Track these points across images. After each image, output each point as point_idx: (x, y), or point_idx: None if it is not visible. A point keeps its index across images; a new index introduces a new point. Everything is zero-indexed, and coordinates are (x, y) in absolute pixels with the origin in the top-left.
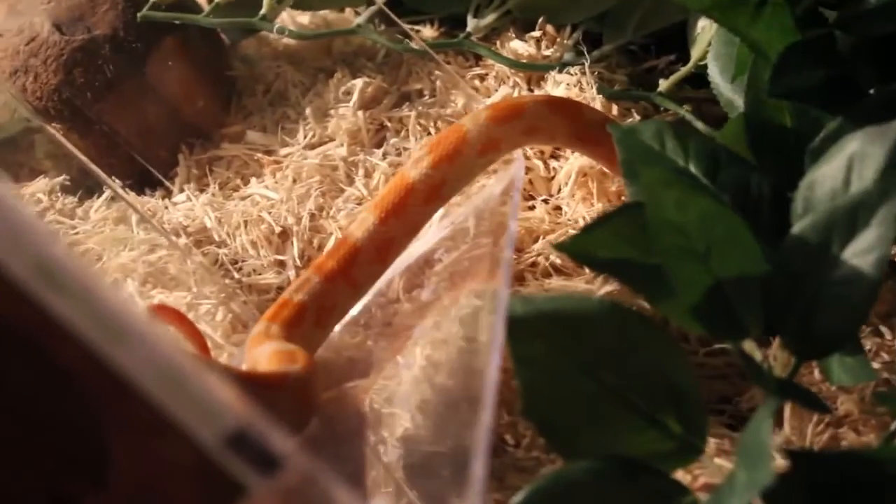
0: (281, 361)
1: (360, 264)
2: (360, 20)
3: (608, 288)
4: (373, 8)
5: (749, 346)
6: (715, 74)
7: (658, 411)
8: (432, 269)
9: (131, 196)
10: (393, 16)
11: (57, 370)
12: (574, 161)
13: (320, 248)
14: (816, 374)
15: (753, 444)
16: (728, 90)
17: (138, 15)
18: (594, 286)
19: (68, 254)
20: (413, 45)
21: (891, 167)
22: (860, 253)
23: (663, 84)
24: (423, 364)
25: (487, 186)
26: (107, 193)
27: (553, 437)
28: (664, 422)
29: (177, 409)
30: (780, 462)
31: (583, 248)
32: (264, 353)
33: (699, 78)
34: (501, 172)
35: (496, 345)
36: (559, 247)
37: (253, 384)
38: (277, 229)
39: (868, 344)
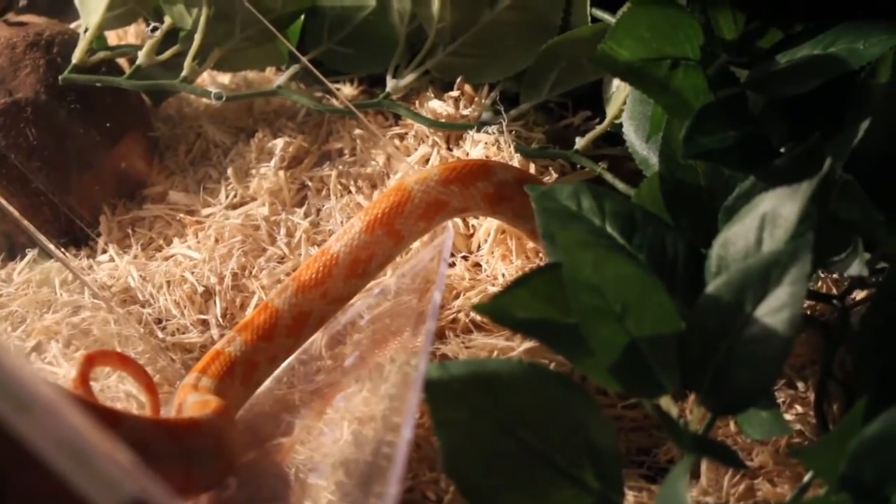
0: (196, 409)
1: (279, 331)
2: (279, 81)
3: (528, 345)
4: (293, 68)
5: (665, 402)
6: (630, 133)
7: (576, 468)
8: (355, 330)
9: (54, 261)
10: (318, 73)
11: None
12: (492, 220)
13: (243, 307)
14: (732, 426)
15: (670, 499)
16: (643, 149)
17: (60, 78)
18: (514, 343)
19: None
20: (335, 103)
21: (801, 226)
22: (773, 311)
23: (580, 142)
24: (348, 439)
25: (417, 254)
26: (30, 256)
27: (474, 496)
28: (583, 478)
29: (77, 479)
30: None
31: (502, 309)
32: (186, 404)
33: (615, 135)
34: (434, 240)
35: (409, 419)
36: (479, 308)
37: (166, 430)
38: (200, 289)
39: (782, 396)
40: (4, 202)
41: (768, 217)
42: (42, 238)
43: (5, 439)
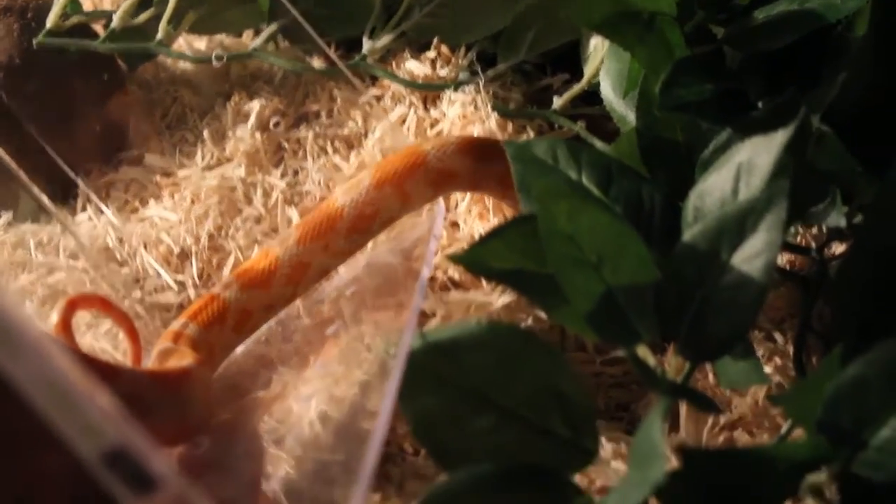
0: (169, 359)
1: (277, 279)
2: (256, 43)
3: (505, 299)
4: (270, 29)
5: (642, 351)
6: (607, 91)
7: (545, 420)
8: (339, 301)
9: (28, 224)
10: (308, 27)
11: None
12: None
13: (219, 267)
14: (711, 378)
15: (645, 443)
16: (620, 106)
17: (34, 42)
18: (492, 298)
19: None
20: (314, 65)
21: (777, 175)
22: (748, 258)
23: (557, 101)
24: (314, 417)
25: (410, 228)
26: (3, 219)
27: (444, 458)
28: (553, 430)
29: (59, 422)
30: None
31: (477, 260)
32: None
33: (593, 95)
34: (426, 216)
35: (392, 387)
36: (454, 258)
37: (161, 381)
38: (176, 250)
39: (761, 349)
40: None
41: (744, 167)
42: (35, 189)
43: None
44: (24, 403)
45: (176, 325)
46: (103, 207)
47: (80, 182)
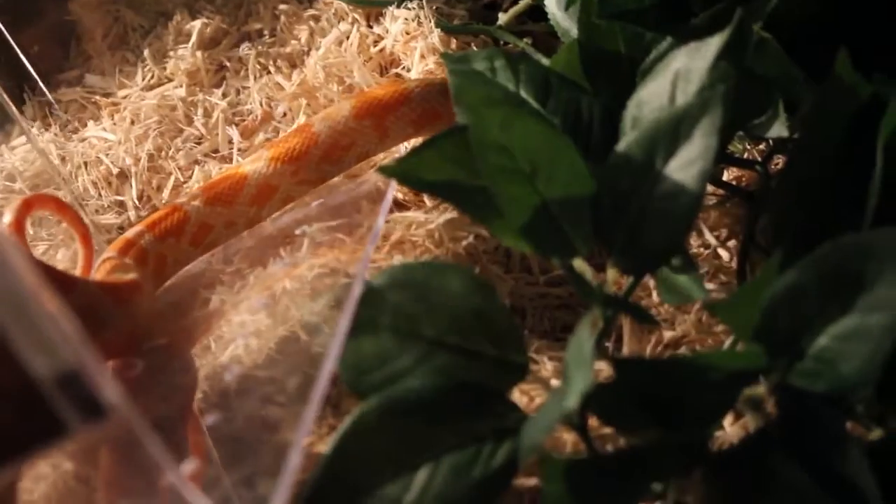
0: (112, 270)
1: (241, 198)
2: None
3: (446, 216)
4: None
5: (579, 264)
6: (551, 4)
7: (471, 342)
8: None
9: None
10: None
11: None
12: None
13: (159, 188)
14: (655, 297)
15: (577, 352)
16: (565, 20)
17: None
18: (432, 216)
19: None
20: None
21: (714, 81)
22: (683, 166)
23: (503, 17)
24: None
25: (365, 179)
26: None
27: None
28: (481, 350)
29: (17, 336)
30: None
31: (409, 171)
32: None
33: (539, 11)
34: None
35: (342, 329)
36: (384, 170)
37: (113, 292)
38: (116, 170)
39: (706, 266)
40: None
41: (681, 73)
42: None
43: None
44: None
45: (131, 232)
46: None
47: (26, 98)
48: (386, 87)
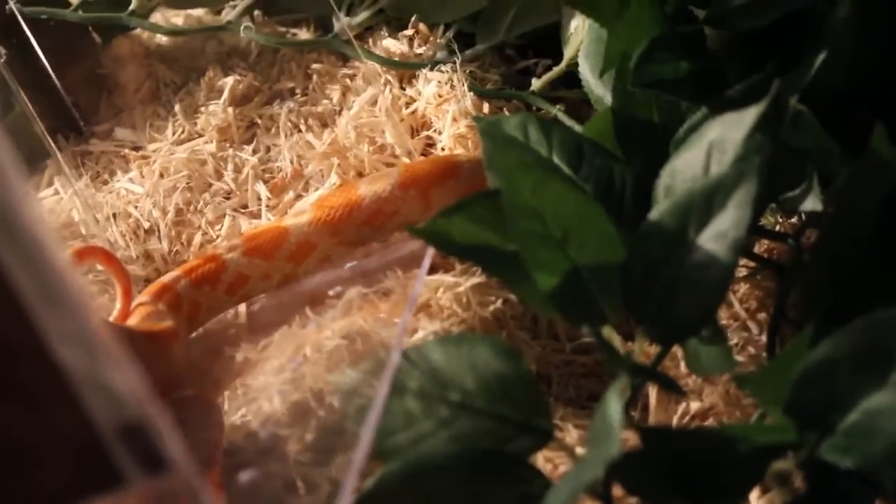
0: (147, 316)
1: (280, 252)
2: (231, 16)
3: (475, 280)
4: (245, 1)
5: (608, 331)
6: (585, 71)
7: (496, 406)
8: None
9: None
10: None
11: None
12: None
13: (187, 242)
14: (683, 367)
15: (602, 421)
16: (598, 87)
17: (7, 8)
18: (461, 279)
19: (23, 200)
20: (291, 39)
21: (749, 152)
22: (716, 236)
23: (536, 83)
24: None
25: (400, 245)
26: None
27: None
28: (505, 415)
29: (84, 383)
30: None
31: (440, 233)
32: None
33: (573, 78)
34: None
35: (381, 397)
36: (415, 231)
37: (153, 340)
38: (145, 224)
39: (735, 338)
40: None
41: (716, 144)
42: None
43: (27, 326)
44: (48, 357)
45: (167, 277)
46: (71, 181)
47: (55, 151)
48: (435, 160)
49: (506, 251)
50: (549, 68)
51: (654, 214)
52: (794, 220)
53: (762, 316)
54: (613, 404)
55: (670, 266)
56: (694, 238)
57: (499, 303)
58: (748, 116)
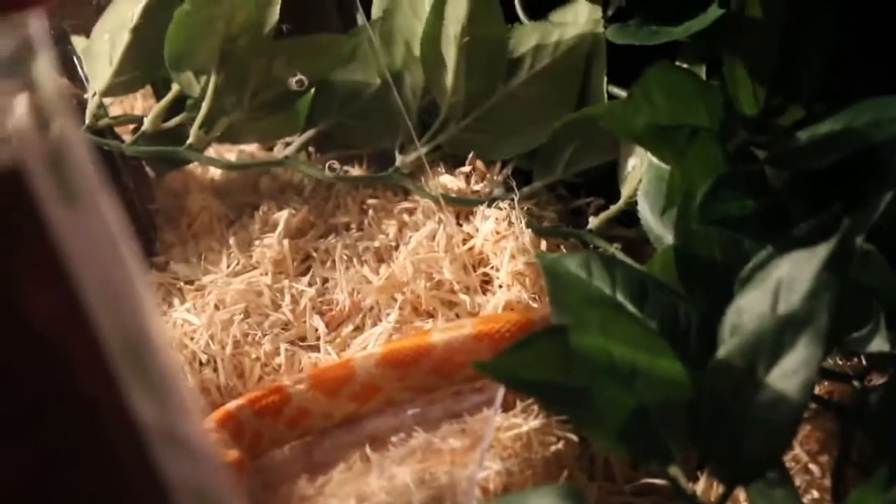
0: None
1: (344, 391)
2: (288, 151)
3: (535, 423)
4: (303, 137)
5: (674, 471)
6: (645, 211)
7: None
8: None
9: None
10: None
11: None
12: (501, 295)
13: (242, 375)
14: None
15: None
16: (658, 226)
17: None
18: (519, 420)
19: (154, 330)
20: (347, 175)
21: (818, 291)
22: (785, 375)
23: (593, 221)
24: None
25: (466, 395)
26: None
27: None
28: None
29: None
30: None
31: (506, 369)
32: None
33: (630, 217)
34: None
35: None
36: (481, 367)
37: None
38: (202, 356)
39: (798, 481)
40: None
41: (784, 282)
42: None
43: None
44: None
45: (232, 405)
46: None
47: None
48: (510, 315)
49: (572, 389)
50: (602, 207)
51: (722, 352)
52: (853, 361)
53: (824, 458)
54: None
55: (739, 404)
56: (763, 376)
57: (560, 444)
58: (817, 255)
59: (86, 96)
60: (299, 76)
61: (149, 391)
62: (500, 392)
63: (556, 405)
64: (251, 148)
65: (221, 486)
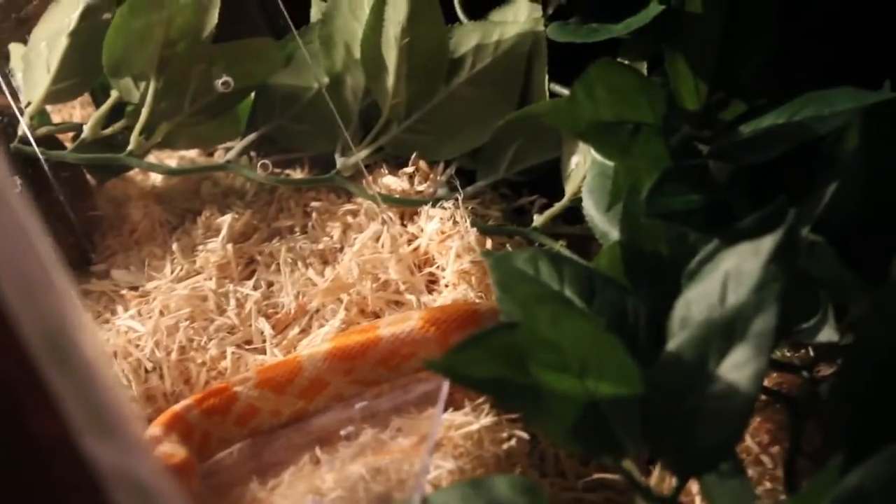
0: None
1: (291, 388)
2: (229, 156)
3: (487, 420)
4: (244, 142)
5: (628, 465)
6: (590, 207)
7: None
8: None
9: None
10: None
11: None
12: (447, 294)
13: (188, 381)
14: (698, 501)
15: None
16: (603, 222)
17: (10, 146)
18: (471, 417)
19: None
20: (289, 178)
21: (766, 282)
22: (736, 367)
23: (538, 219)
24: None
25: (413, 386)
26: None
27: None
28: None
29: None
30: None
31: (456, 367)
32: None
33: (574, 214)
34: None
35: None
36: (432, 364)
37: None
38: (147, 364)
39: (750, 472)
40: None
41: (731, 274)
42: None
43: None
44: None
45: (179, 406)
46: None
47: None
48: (457, 306)
49: (523, 385)
50: (546, 205)
51: (672, 345)
52: (801, 352)
53: (775, 449)
54: None
55: (690, 397)
56: (714, 368)
57: (513, 441)
58: (764, 246)
59: (19, 106)
60: (225, 78)
61: (71, 381)
62: (445, 385)
63: (507, 402)
64: (192, 153)
65: (158, 478)
